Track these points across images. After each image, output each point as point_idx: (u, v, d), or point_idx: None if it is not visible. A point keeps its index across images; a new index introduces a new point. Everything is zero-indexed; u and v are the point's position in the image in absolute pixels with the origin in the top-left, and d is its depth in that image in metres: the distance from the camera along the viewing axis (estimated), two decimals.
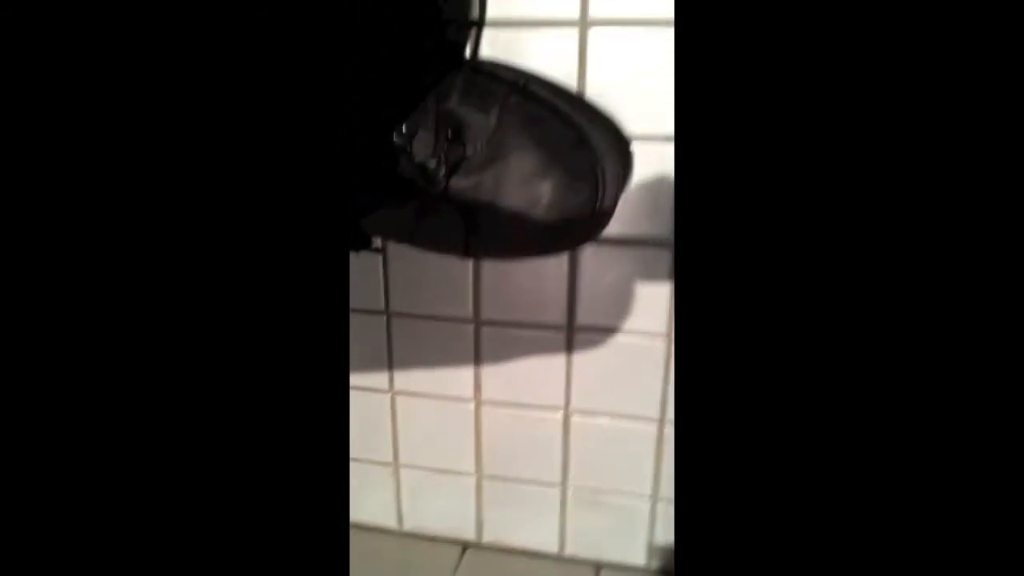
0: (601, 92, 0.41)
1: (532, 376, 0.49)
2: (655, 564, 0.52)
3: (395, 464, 0.55)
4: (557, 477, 0.52)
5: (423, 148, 0.39)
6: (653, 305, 0.46)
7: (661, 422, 0.49)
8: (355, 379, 0.53)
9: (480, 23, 0.41)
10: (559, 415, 0.50)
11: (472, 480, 0.54)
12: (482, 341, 0.49)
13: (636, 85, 0.41)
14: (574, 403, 0.50)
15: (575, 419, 0.50)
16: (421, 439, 0.54)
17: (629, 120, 0.41)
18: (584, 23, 0.40)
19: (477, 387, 0.51)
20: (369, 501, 0.57)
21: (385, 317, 0.50)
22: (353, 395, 0.53)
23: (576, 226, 0.41)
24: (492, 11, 0.41)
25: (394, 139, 0.38)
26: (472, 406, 0.52)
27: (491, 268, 0.47)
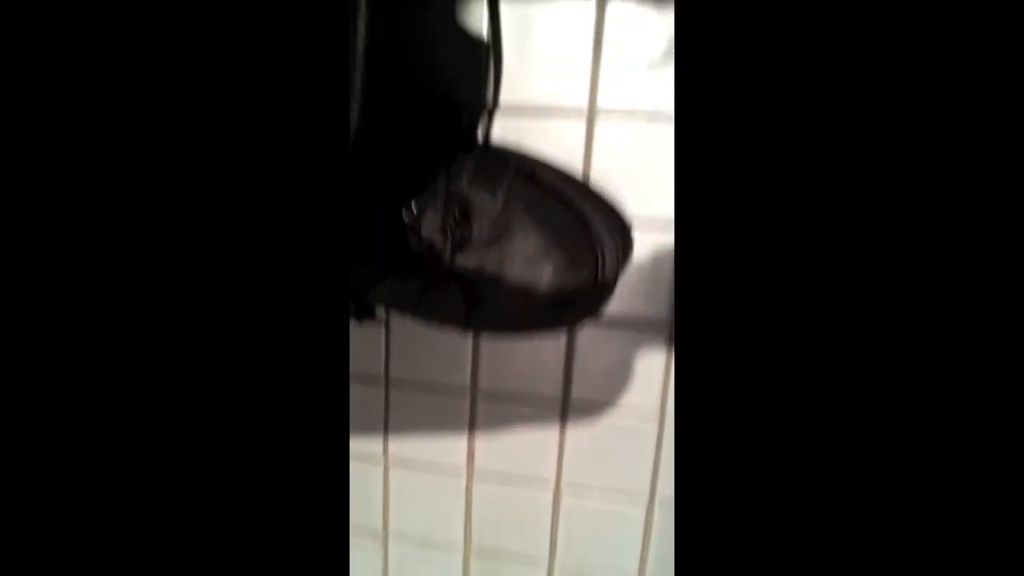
0: (604, 177, 0.43)
1: (525, 447, 0.49)
2: None
3: (384, 532, 0.55)
4: (544, 551, 0.52)
5: (431, 225, 0.40)
6: (646, 383, 0.46)
7: (651, 499, 0.49)
8: (351, 443, 0.53)
9: (493, 109, 0.43)
10: (549, 488, 0.50)
11: (459, 553, 0.54)
12: (478, 411, 0.50)
13: (638, 173, 0.43)
14: (565, 476, 0.50)
15: (565, 493, 0.50)
16: (411, 508, 0.54)
17: (630, 204, 0.43)
18: (592, 113, 0.42)
19: (470, 457, 0.51)
20: (356, 570, 0.56)
21: (384, 383, 0.51)
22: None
23: (575, 306, 0.42)
24: (505, 96, 0.43)
25: (403, 215, 0.40)
26: (464, 476, 0.51)
27: (490, 340, 0.48)
